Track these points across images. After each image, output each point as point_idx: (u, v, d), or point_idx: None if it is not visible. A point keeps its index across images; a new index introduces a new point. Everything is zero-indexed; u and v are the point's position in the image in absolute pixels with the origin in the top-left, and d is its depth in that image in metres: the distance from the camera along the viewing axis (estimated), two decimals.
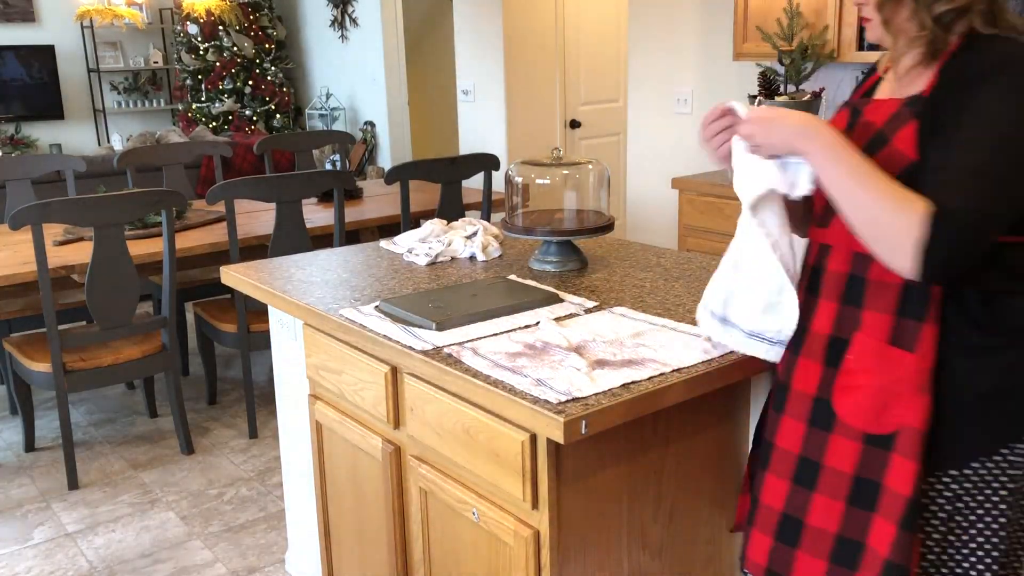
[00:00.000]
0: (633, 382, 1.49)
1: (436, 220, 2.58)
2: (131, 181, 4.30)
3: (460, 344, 1.69)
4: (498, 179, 3.88)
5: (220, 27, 7.61)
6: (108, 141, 8.07)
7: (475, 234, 2.46)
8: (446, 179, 3.80)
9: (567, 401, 1.42)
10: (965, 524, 1.37)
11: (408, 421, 1.80)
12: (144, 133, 5.90)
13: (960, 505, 1.37)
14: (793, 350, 1.49)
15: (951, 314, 1.33)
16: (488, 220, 3.37)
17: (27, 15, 7.85)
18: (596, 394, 1.45)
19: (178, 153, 4.62)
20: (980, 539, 1.38)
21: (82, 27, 7.93)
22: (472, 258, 2.37)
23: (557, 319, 1.81)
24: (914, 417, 1.33)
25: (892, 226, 1.25)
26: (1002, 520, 1.37)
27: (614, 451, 1.56)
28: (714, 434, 1.73)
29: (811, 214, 1.52)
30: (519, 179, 2.34)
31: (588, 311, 1.88)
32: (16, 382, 3.45)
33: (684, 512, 1.71)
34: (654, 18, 4.62)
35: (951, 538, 1.38)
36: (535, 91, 5.88)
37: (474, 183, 4.11)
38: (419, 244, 2.45)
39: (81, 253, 3.33)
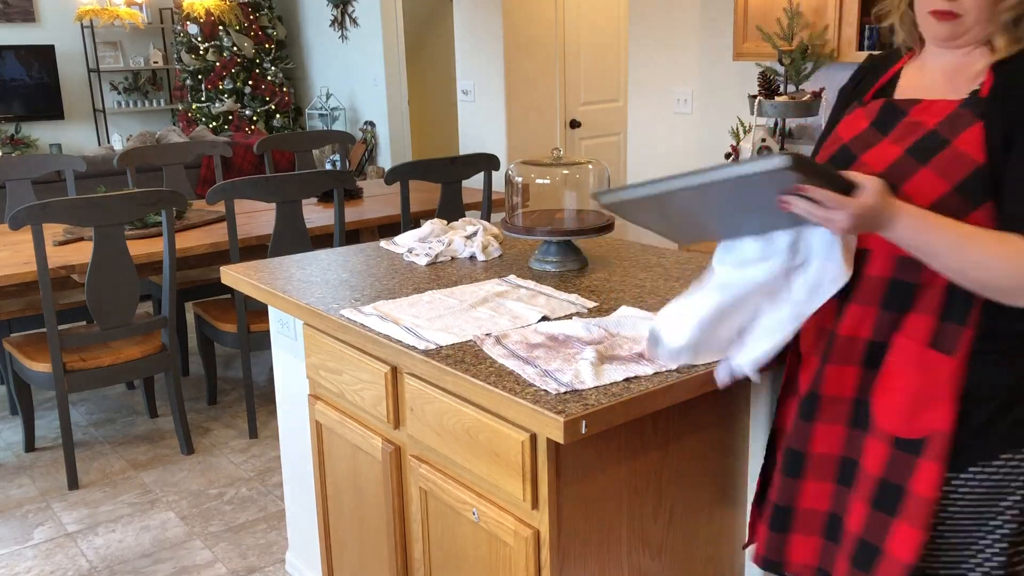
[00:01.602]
0: (635, 377, 1.49)
1: (436, 220, 2.58)
2: (131, 181, 4.30)
3: (487, 334, 1.71)
4: (498, 179, 3.89)
5: (220, 27, 7.61)
6: (108, 141, 8.07)
7: (475, 234, 2.46)
8: (446, 179, 3.80)
9: (567, 392, 1.42)
10: (972, 526, 1.37)
11: (408, 421, 1.80)
12: (144, 133, 5.90)
13: (970, 504, 1.36)
14: (821, 358, 1.46)
15: (989, 316, 1.32)
16: (488, 220, 3.37)
17: (27, 15, 7.85)
18: (596, 390, 1.44)
19: (178, 153, 4.61)
20: (984, 542, 1.37)
21: (82, 27, 7.94)
22: (472, 258, 2.37)
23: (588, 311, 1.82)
24: (945, 421, 1.33)
25: (1018, 275, 1.25)
26: (1011, 525, 1.35)
27: (614, 451, 1.56)
28: (714, 434, 1.73)
29: None
30: (519, 179, 2.35)
31: (591, 311, 1.88)
32: (16, 382, 3.45)
33: (684, 512, 1.71)
34: (654, 18, 4.62)
35: (956, 540, 1.38)
36: (535, 91, 5.88)
37: (474, 183, 4.11)
38: (419, 244, 2.45)
39: (81, 253, 3.33)
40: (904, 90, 1.45)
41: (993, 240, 1.27)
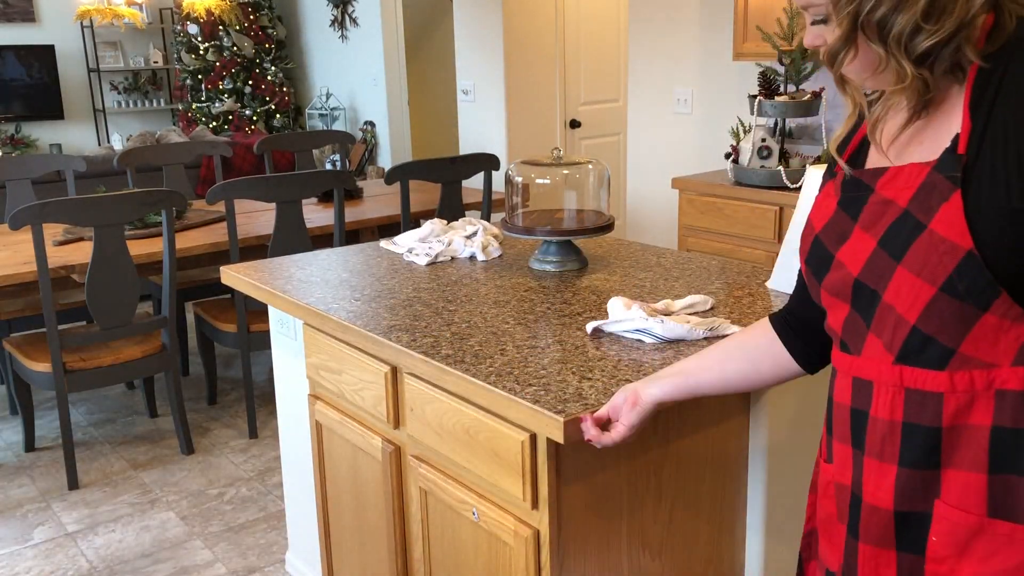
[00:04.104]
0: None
1: (436, 220, 2.58)
2: (131, 181, 4.30)
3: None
4: (498, 179, 3.89)
5: (220, 27, 7.61)
6: (108, 141, 8.07)
7: (475, 234, 2.46)
8: (446, 179, 3.80)
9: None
10: None
11: (408, 421, 1.80)
12: (144, 133, 5.90)
13: None
14: (851, 531, 1.09)
15: None
16: (488, 220, 3.37)
17: (27, 15, 7.85)
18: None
19: (178, 153, 4.62)
20: None
21: (82, 27, 7.94)
22: (472, 258, 2.37)
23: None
24: None
25: None
26: None
27: (614, 451, 1.56)
28: (714, 434, 1.73)
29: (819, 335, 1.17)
30: (519, 179, 2.35)
31: None
32: (16, 382, 3.45)
33: (684, 512, 1.71)
34: (654, 18, 4.62)
35: None
36: (535, 91, 5.88)
37: (474, 183, 4.12)
38: (419, 244, 2.45)
39: (81, 253, 3.33)
40: (876, 151, 1.06)
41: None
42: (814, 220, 1.09)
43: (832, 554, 1.13)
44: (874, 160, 1.05)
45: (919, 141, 0.99)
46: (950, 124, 0.95)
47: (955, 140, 0.93)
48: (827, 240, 1.06)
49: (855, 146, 1.09)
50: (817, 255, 1.07)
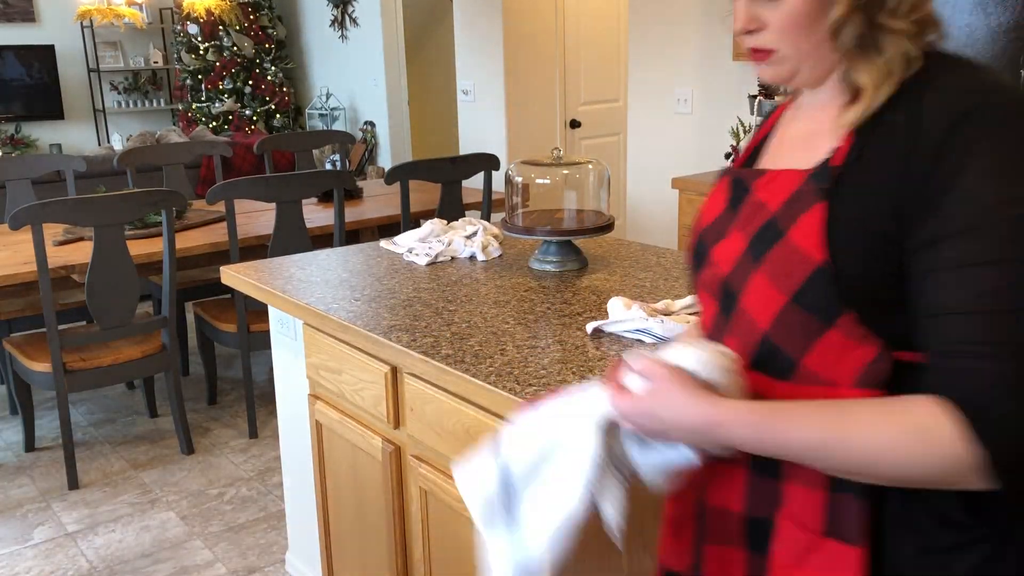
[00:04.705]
0: None
1: (436, 220, 2.58)
2: (131, 181, 4.30)
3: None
4: (498, 179, 3.89)
5: (220, 27, 7.61)
6: (108, 141, 8.07)
7: (475, 234, 2.46)
8: (446, 179, 3.80)
9: None
10: None
11: (408, 421, 1.80)
12: (144, 133, 5.90)
13: None
14: (699, 536, 1.11)
15: (901, 494, 0.92)
16: (488, 220, 3.37)
17: (27, 15, 7.85)
18: None
19: (178, 153, 4.62)
20: None
21: (82, 27, 7.93)
22: (472, 258, 2.37)
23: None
24: None
25: (924, 466, 0.85)
26: None
27: None
28: None
29: None
30: (519, 179, 2.35)
31: None
32: (16, 382, 3.45)
33: None
34: (654, 18, 4.62)
35: None
36: (535, 91, 5.88)
37: (474, 183, 4.12)
38: (419, 244, 2.45)
39: (81, 253, 3.33)
40: (768, 151, 1.08)
41: (872, 421, 0.86)
42: (704, 213, 1.10)
43: (680, 554, 1.15)
44: (764, 162, 1.07)
45: (806, 148, 0.99)
46: (833, 137, 0.96)
47: (833, 153, 0.94)
48: (708, 236, 1.07)
49: (759, 139, 1.11)
50: (697, 250, 1.09)
